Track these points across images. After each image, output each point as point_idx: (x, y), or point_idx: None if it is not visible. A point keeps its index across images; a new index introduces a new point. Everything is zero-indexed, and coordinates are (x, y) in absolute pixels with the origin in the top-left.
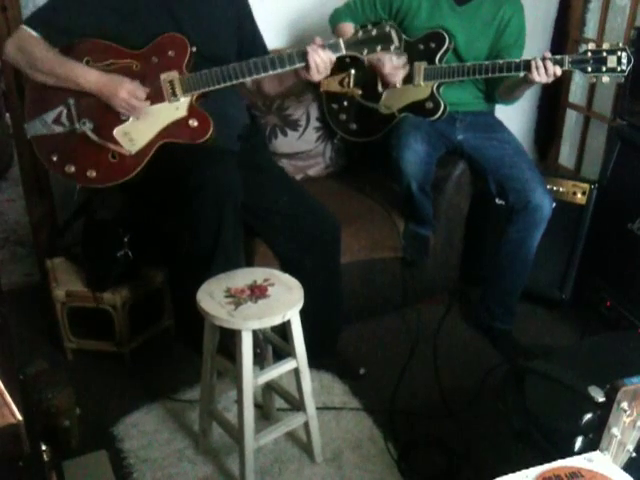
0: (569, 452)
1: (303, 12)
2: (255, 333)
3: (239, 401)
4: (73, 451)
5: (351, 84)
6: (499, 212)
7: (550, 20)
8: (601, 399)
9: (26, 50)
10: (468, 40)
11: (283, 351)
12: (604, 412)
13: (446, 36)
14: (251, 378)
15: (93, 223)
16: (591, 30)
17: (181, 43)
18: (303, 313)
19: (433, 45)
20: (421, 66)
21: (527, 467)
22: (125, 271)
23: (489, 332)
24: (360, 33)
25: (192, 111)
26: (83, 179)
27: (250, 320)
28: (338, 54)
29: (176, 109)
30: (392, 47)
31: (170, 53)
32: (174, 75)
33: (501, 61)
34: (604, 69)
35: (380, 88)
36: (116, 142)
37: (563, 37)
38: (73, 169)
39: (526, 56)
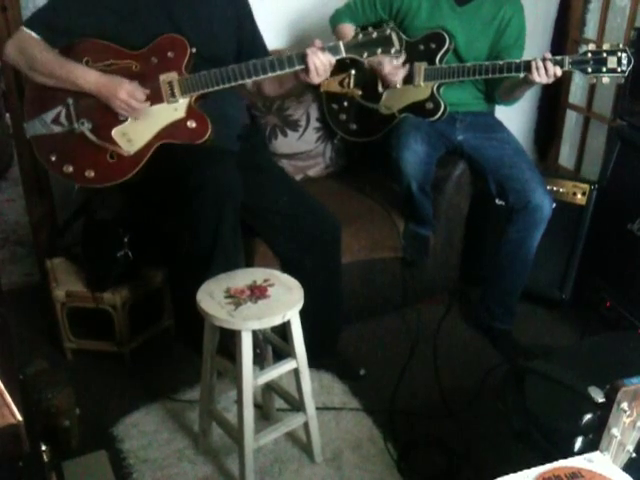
0: (569, 452)
1: (303, 12)
2: (255, 333)
3: (239, 401)
4: (73, 451)
5: (351, 84)
6: (499, 212)
7: (550, 20)
8: (601, 399)
9: (26, 51)
10: (468, 40)
11: (283, 351)
12: (604, 412)
13: (446, 36)
14: (251, 378)
15: (93, 223)
16: (591, 30)
17: (181, 44)
18: (303, 313)
19: (433, 45)
20: (421, 66)
21: (527, 467)
22: (125, 271)
23: (489, 332)
24: (360, 36)
25: (190, 112)
26: (81, 179)
27: (250, 320)
28: (338, 57)
29: (174, 110)
30: (392, 50)
31: (169, 54)
32: (173, 76)
33: (501, 62)
34: (604, 70)
35: (380, 88)
36: (114, 142)
37: (563, 37)
38: (71, 169)
39: (526, 57)
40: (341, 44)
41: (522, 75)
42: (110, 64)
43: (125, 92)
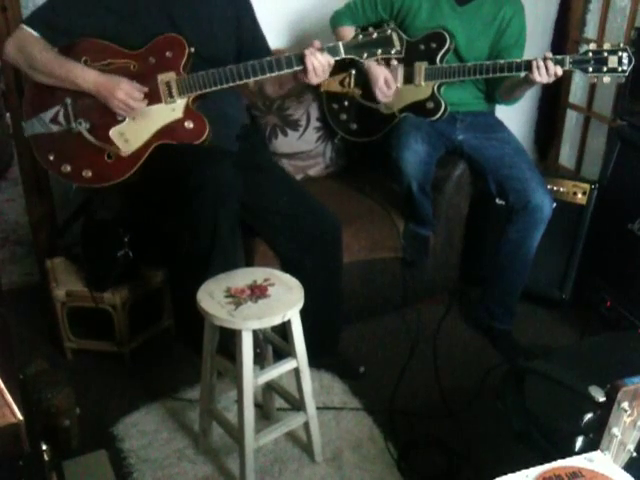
0: (569, 452)
1: (303, 13)
2: (255, 333)
3: (239, 401)
4: (73, 451)
5: (352, 84)
6: (499, 212)
7: (550, 21)
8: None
9: (25, 50)
10: (469, 40)
11: (283, 351)
12: (604, 412)
13: (447, 36)
14: (251, 378)
15: (93, 223)
16: (591, 30)
17: (179, 44)
18: (303, 313)
19: (434, 45)
20: (422, 66)
21: (527, 467)
22: (125, 271)
23: (489, 332)
24: (360, 36)
25: (188, 113)
26: (79, 179)
27: (250, 320)
28: (337, 58)
29: (172, 110)
30: (393, 51)
31: (168, 54)
32: (171, 76)
33: (502, 61)
34: (605, 69)
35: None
36: (112, 143)
37: (563, 38)
38: (69, 169)
39: (526, 56)
40: (340, 45)
41: (523, 74)
42: (108, 64)
43: (123, 91)
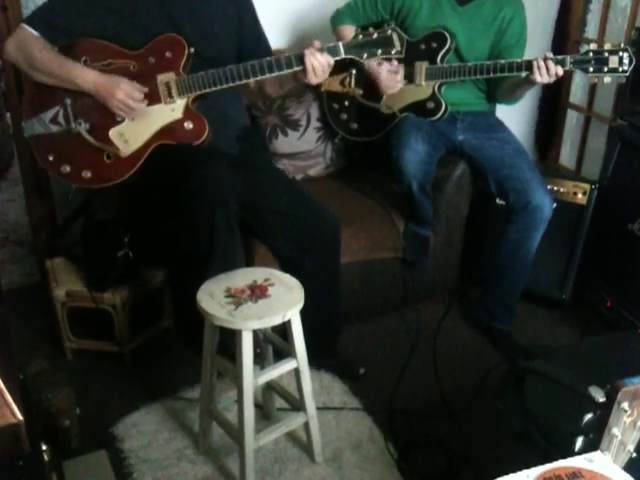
0: (569, 452)
1: (303, 12)
2: (255, 333)
3: (239, 401)
4: (73, 451)
5: (352, 84)
6: (499, 212)
7: (551, 21)
8: (601, 399)
9: (26, 49)
10: (469, 40)
11: (283, 351)
12: (604, 412)
13: (448, 36)
14: (251, 378)
15: (93, 223)
16: (592, 31)
17: (179, 44)
18: (303, 313)
19: (434, 45)
20: (422, 66)
21: (527, 467)
22: (125, 271)
23: (489, 332)
24: (360, 36)
25: (188, 113)
26: (78, 179)
27: (250, 320)
28: (337, 58)
29: (172, 111)
30: (393, 51)
31: (167, 54)
32: (171, 76)
33: (502, 61)
34: (606, 69)
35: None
36: (111, 143)
37: (564, 38)
38: (69, 169)
39: (527, 56)
40: (340, 45)
41: (523, 74)
42: (108, 64)
43: (123, 92)
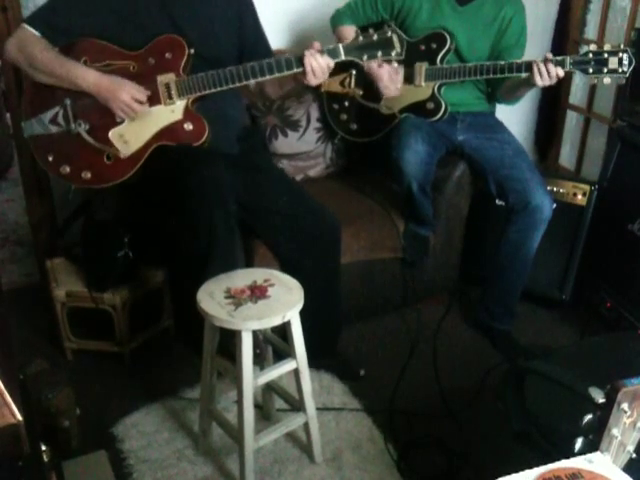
0: (569, 453)
1: (303, 13)
2: (255, 333)
3: (239, 401)
4: (73, 451)
5: (352, 84)
6: (499, 212)
7: (550, 21)
8: (601, 400)
9: (26, 49)
10: (469, 40)
11: (283, 351)
12: (604, 413)
13: (447, 37)
14: (251, 378)
15: (93, 223)
16: (591, 31)
17: (179, 45)
18: (303, 313)
19: (434, 46)
20: (422, 67)
21: (527, 467)
22: (125, 271)
23: (489, 332)
24: (361, 38)
25: (188, 114)
26: (78, 180)
27: (250, 320)
28: (337, 60)
29: (172, 112)
30: (393, 53)
31: (167, 55)
32: (170, 77)
33: (502, 62)
34: (605, 70)
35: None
36: (111, 144)
37: (563, 38)
38: (68, 170)
39: (527, 57)
40: (340, 47)
41: (524, 75)
42: (108, 64)
43: (127, 94)
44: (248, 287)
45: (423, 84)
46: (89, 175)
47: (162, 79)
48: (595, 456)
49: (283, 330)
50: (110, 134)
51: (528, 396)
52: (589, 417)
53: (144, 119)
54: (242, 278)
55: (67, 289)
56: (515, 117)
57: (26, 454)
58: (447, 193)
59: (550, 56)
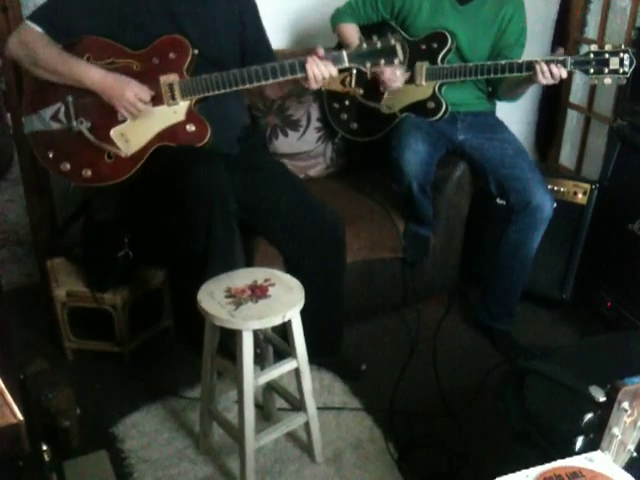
0: (569, 452)
1: (304, 12)
2: (255, 333)
3: (239, 401)
4: (73, 451)
5: (353, 83)
6: (499, 212)
7: (551, 21)
8: (602, 399)
9: (29, 46)
10: (471, 39)
11: (283, 351)
12: (605, 412)
13: (448, 36)
14: (251, 378)
15: (93, 223)
16: (592, 31)
17: (182, 45)
18: (304, 313)
19: (435, 45)
20: (423, 66)
21: (527, 467)
22: (125, 271)
23: (489, 332)
24: (364, 45)
25: (190, 116)
26: (78, 178)
27: (250, 320)
28: (340, 66)
29: (174, 112)
30: (396, 61)
31: (171, 55)
32: (174, 78)
33: (503, 62)
34: (606, 71)
35: (382, 88)
36: (112, 143)
37: (564, 38)
38: (68, 167)
39: (526, 57)
40: (344, 54)
41: (524, 74)
42: (111, 62)
43: (131, 92)
44: (248, 287)
45: (424, 83)
46: (89, 173)
47: (165, 79)
48: (596, 455)
49: (284, 330)
50: (112, 133)
51: (528, 396)
52: (589, 416)
53: (146, 119)
54: (242, 278)
55: (67, 289)
56: (515, 116)
57: (27, 454)
58: (447, 193)
59: (561, 51)
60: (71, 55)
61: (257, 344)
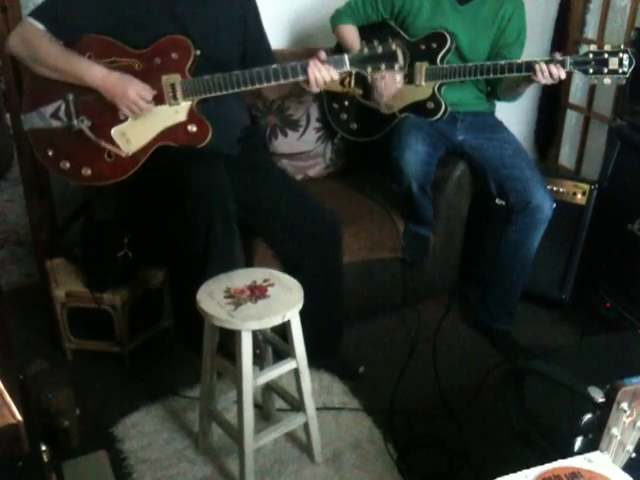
0: (569, 452)
1: (304, 12)
2: (255, 333)
3: (239, 401)
4: (73, 451)
5: (352, 84)
6: (499, 212)
7: (550, 21)
8: (601, 399)
9: (31, 43)
10: (471, 39)
11: (283, 351)
12: (604, 412)
13: (447, 37)
14: (251, 378)
15: (93, 224)
16: (591, 31)
17: (185, 46)
18: (303, 313)
19: (435, 45)
20: (422, 66)
21: (527, 467)
22: (125, 271)
23: (489, 332)
24: (366, 50)
25: (192, 116)
26: (78, 176)
27: (250, 320)
28: (342, 70)
29: (175, 112)
30: (396, 66)
31: (173, 55)
32: (176, 78)
33: (503, 62)
34: (606, 71)
35: (376, 94)
36: (113, 142)
37: (563, 38)
38: (68, 165)
39: (526, 56)
40: (346, 58)
41: (524, 74)
42: (112, 61)
43: (134, 91)
44: (248, 287)
45: (423, 84)
46: (89, 172)
47: (167, 79)
48: (595, 455)
49: (283, 330)
50: (112, 132)
51: (528, 396)
52: (589, 417)
53: (147, 118)
54: (242, 278)
55: (67, 289)
56: (515, 116)
57: (26, 454)
58: (447, 193)
59: (558, 57)
60: (73, 53)
61: (256, 344)
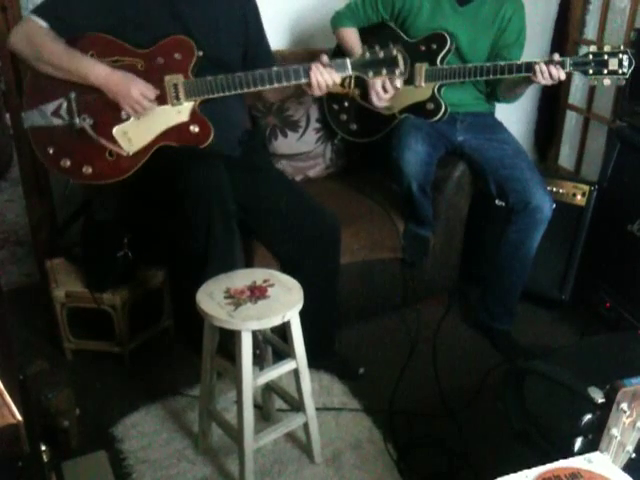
0: (569, 453)
1: (304, 12)
2: (254, 334)
3: (238, 402)
4: (73, 451)
5: (352, 85)
6: (499, 212)
7: (550, 21)
8: (601, 400)
9: (33, 41)
10: (471, 40)
11: (283, 352)
12: (604, 413)
13: (447, 37)
14: (250, 379)
15: (93, 224)
16: (591, 31)
17: (188, 46)
18: (302, 314)
19: (434, 46)
20: (422, 67)
21: (527, 467)
22: (125, 271)
23: (488, 332)
24: (367, 54)
25: (194, 117)
26: (78, 175)
27: (249, 321)
28: (343, 74)
29: (178, 113)
30: (397, 72)
31: (176, 55)
32: (179, 78)
33: (502, 63)
34: (605, 72)
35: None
36: (115, 141)
37: (563, 38)
38: (69, 163)
39: (525, 57)
40: (348, 62)
41: (524, 75)
42: (115, 60)
43: (138, 90)
44: (248, 287)
45: (423, 85)
46: (90, 170)
47: (170, 79)
48: (594, 456)
49: (283, 330)
50: (114, 131)
51: (528, 396)
52: (588, 417)
53: (149, 118)
54: (242, 278)
55: (67, 289)
56: (515, 117)
57: (26, 454)
58: (447, 193)
59: (557, 57)
60: (77, 51)
61: (256, 345)
